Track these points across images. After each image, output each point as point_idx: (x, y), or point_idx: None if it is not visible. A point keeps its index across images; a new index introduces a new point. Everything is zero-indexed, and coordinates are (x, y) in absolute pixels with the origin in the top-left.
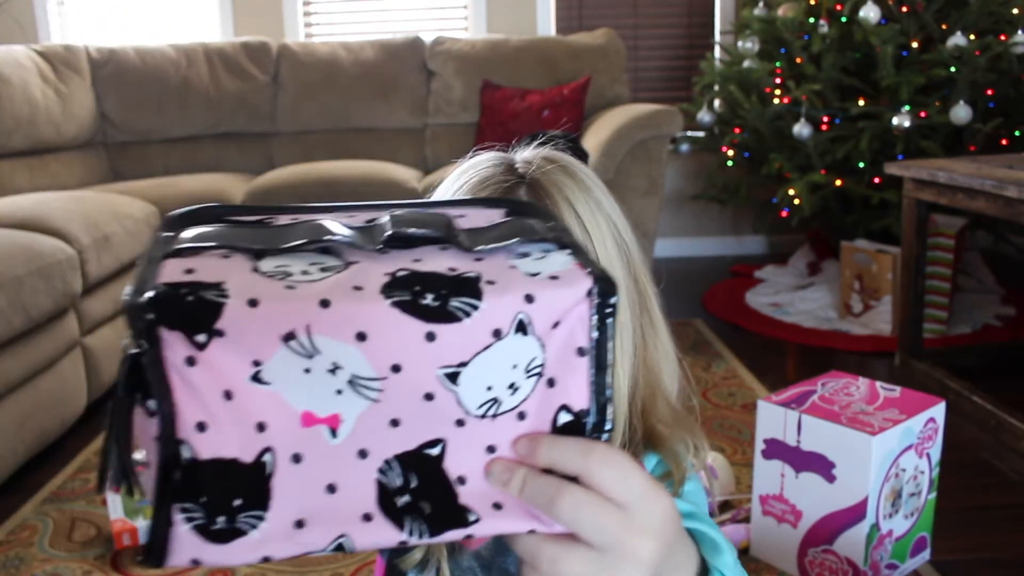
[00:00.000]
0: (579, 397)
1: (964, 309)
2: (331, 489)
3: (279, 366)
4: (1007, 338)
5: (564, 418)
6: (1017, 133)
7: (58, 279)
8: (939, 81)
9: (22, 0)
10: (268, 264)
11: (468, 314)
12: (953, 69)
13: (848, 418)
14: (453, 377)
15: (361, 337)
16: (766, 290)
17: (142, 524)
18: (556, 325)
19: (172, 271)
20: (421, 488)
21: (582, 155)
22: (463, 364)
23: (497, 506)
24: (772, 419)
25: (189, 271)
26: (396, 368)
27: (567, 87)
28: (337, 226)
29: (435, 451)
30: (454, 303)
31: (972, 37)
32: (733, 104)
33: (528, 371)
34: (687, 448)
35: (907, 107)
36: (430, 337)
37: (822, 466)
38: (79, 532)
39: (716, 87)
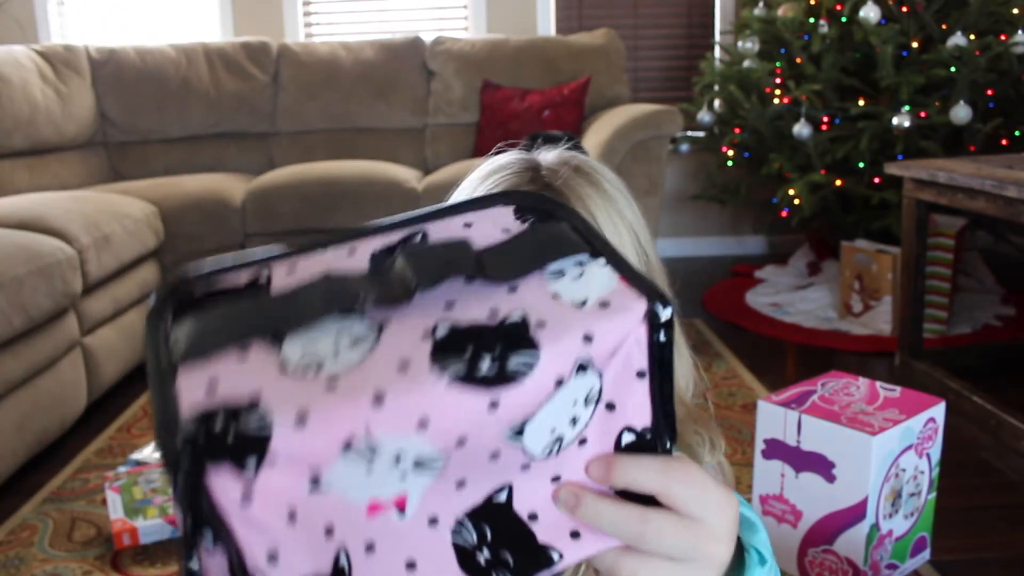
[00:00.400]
0: (641, 417)
1: (964, 309)
2: (411, 566)
3: (340, 472)
4: (1007, 338)
5: (627, 438)
6: (1017, 133)
7: (58, 279)
8: (939, 81)
9: (22, 0)
10: (293, 352)
11: (529, 372)
12: (953, 69)
13: (848, 418)
14: (519, 433)
15: (423, 424)
16: (766, 290)
17: (142, 524)
18: (617, 357)
19: (193, 390)
20: (497, 537)
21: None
22: (528, 419)
23: (575, 535)
24: (772, 419)
25: (212, 386)
26: (461, 442)
27: (567, 87)
28: (341, 267)
29: (503, 497)
30: (512, 364)
31: (972, 37)
32: (733, 104)
33: (587, 401)
34: (702, 443)
35: (907, 107)
36: (494, 406)
37: (822, 466)
38: (79, 532)
39: (716, 87)
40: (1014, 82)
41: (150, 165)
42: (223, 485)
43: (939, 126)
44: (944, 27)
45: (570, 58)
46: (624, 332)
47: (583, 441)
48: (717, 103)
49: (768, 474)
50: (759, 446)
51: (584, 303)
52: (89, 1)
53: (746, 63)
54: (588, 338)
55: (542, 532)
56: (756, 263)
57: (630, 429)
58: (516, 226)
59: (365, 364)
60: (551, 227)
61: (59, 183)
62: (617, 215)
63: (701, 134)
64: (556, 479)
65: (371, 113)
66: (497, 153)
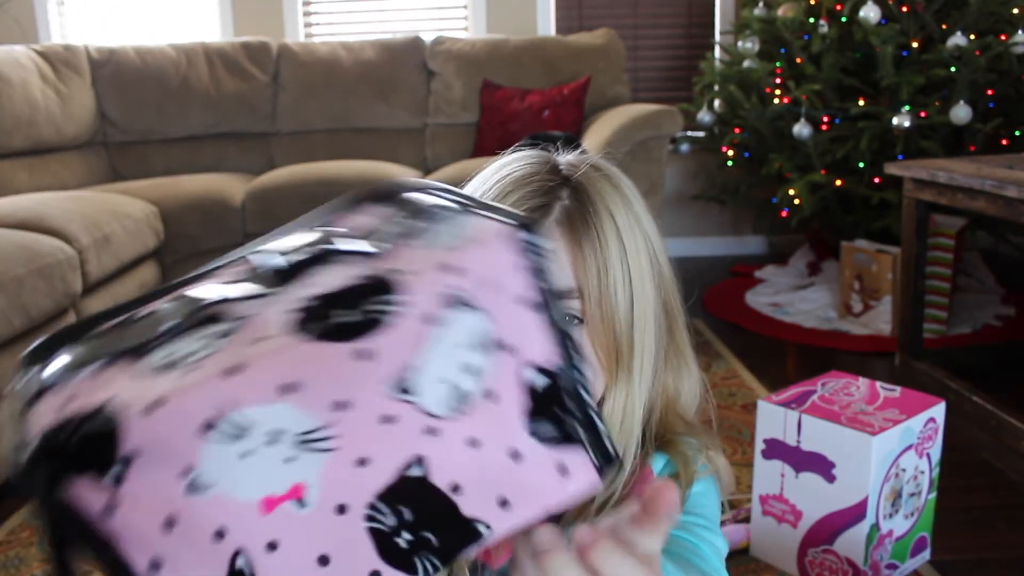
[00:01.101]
0: (543, 352)
1: (964, 309)
2: (323, 561)
3: (211, 464)
4: (1007, 338)
5: (539, 381)
6: (1017, 133)
7: (58, 279)
8: (939, 81)
9: (22, 0)
10: (152, 359)
11: (387, 313)
12: (953, 69)
13: (848, 418)
14: (405, 390)
15: (286, 389)
16: (766, 290)
17: None
18: (493, 286)
19: (48, 411)
20: (418, 517)
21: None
22: (406, 368)
23: (504, 503)
24: (772, 419)
25: (64, 404)
26: (339, 405)
27: (567, 87)
28: (213, 288)
29: (417, 471)
30: (367, 308)
31: (972, 37)
32: (733, 104)
33: (482, 347)
34: (696, 449)
35: (907, 107)
36: (358, 355)
37: (822, 466)
38: None
39: (716, 87)
40: (1014, 82)
41: (150, 165)
42: (84, 497)
43: (939, 126)
44: (944, 27)
45: (570, 58)
46: (495, 261)
47: (491, 394)
48: (717, 103)
49: (768, 474)
50: (759, 446)
51: (455, 247)
52: (89, 1)
53: (746, 63)
54: (449, 269)
55: (467, 504)
56: (756, 263)
57: (535, 367)
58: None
59: (224, 349)
60: (424, 199)
61: (59, 183)
62: (635, 219)
63: (701, 134)
64: (474, 443)
65: (371, 113)
66: (515, 152)
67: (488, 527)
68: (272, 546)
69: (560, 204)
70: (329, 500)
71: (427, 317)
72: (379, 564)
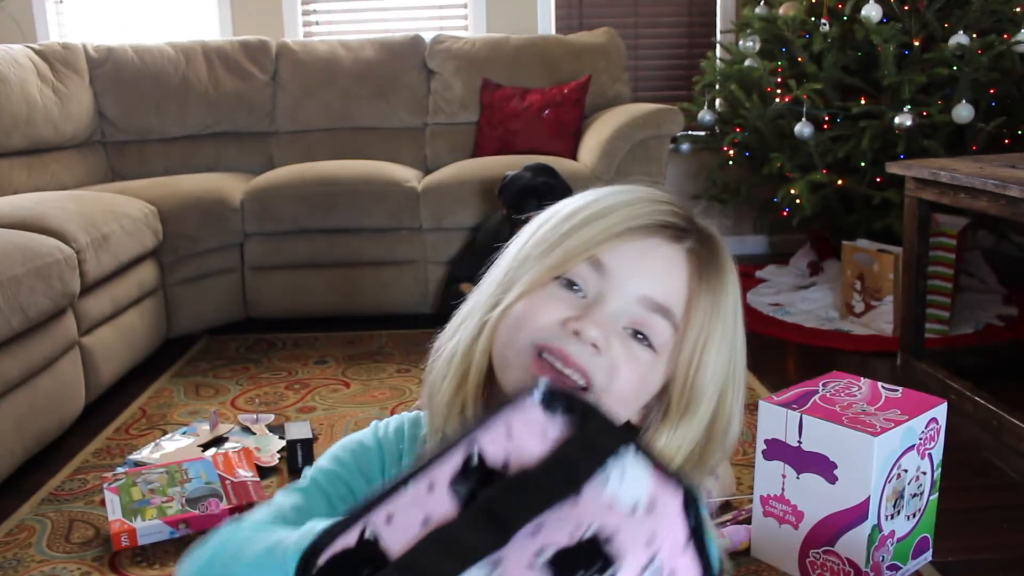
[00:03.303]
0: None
1: (966, 309)
2: None
3: None
4: (1009, 338)
5: None
6: (1019, 132)
7: (56, 279)
8: (941, 80)
9: None
10: None
11: None
12: (955, 68)
13: (850, 419)
14: None
15: None
16: (767, 290)
17: (140, 525)
18: (663, 544)
19: None
20: None
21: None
22: None
23: None
24: (773, 419)
25: None
26: None
27: (567, 86)
28: (450, 527)
29: None
30: None
31: (974, 36)
32: (734, 103)
33: None
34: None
35: (909, 106)
36: None
37: (823, 467)
38: (77, 533)
39: (717, 86)
40: (1016, 81)
41: (149, 164)
42: None
43: (941, 125)
44: (946, 26)
45: (570, 57)
46: (669, 526)
47: None
48: (718, 102)
49: (769, 475)
50: (760, 447)
51: (635, 509)
52: (87, 0)
53: (747, 62)
54: (648, 544)
55: None
56: (757, 263)
57: None
58: (550, 427)
59: None
60: (586, 425)
61: (57, 183)
62: (738, 300)
63: (702, 133)
64: None
65: (371, 112)
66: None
67: None
68: None
69: (693, 240)
70: None
71: None
72: None
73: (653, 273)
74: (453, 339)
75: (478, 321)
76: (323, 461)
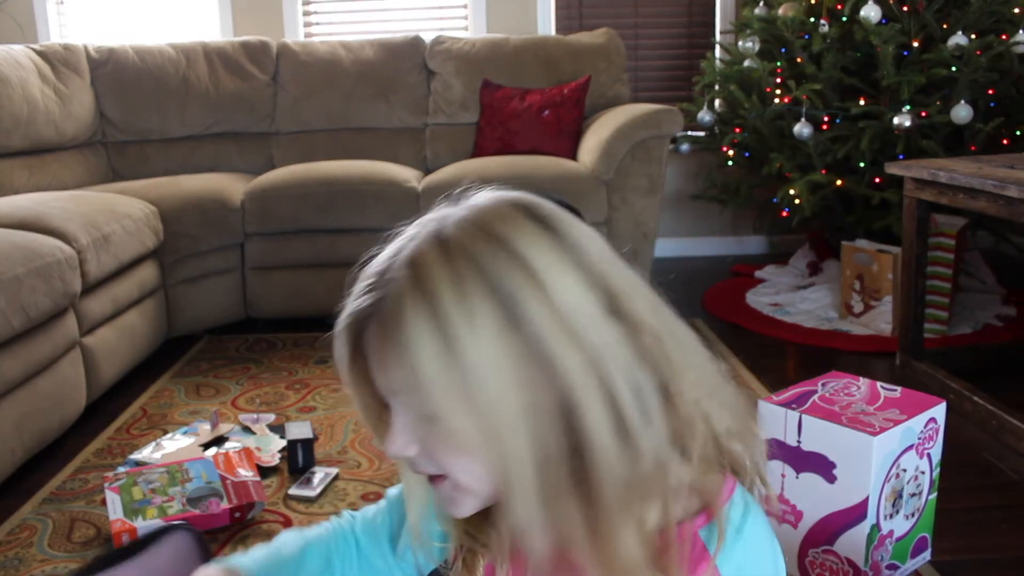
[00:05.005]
0: None
1: (965, 309)
2: None
3: None
4: (1008, 338)
5: None
6: (1018, 133)
7: (57, 279)
8: (940, 81)
9: None
10: None
11: None
12: (954, 69)
13: (849, 418)
14: None
15: None
16: (766, 290)
17: (141, 524)
18: None
19: None
20: None
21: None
22: None
23: None
24: (772, 419)
25: None
26: None
27: (567, 87)
28: None
29: None
30: None
31: (973, 36)
32: (733, 104)
33: None
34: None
35: (908, 107)
36: None
37: (823, 466)
38: (78, 532)
39: (716, 87)
40: (1015, 81)
41: (149, 165)
42: None
43: (940, 126)
44: (945, 26)
45: (570, 58)
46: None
47: None
48: (717, 103)
49: (768, 474)
50: None
51: None
52: (88, 1)
53: (746, 63)
54: None
55: None
56: (756, 263)
57: None
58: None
59: None
60: None
61: (58, 183)
62: (467, 313)
63: (701, 134)
64: None
65: (371, 113)
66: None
67: None
68: None
69: (367, 313)
70: None
71: None
72: None
73: (381, 369)
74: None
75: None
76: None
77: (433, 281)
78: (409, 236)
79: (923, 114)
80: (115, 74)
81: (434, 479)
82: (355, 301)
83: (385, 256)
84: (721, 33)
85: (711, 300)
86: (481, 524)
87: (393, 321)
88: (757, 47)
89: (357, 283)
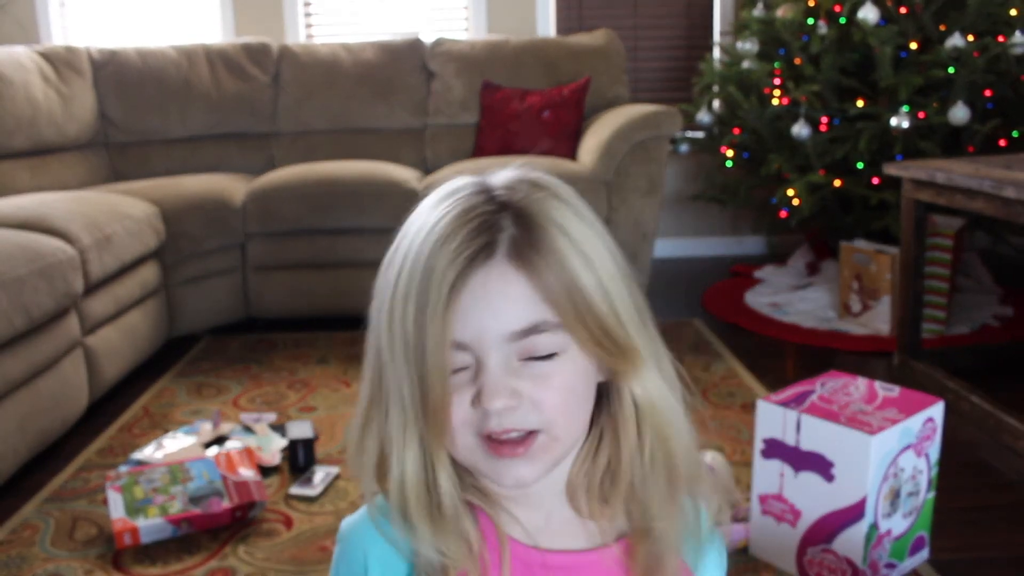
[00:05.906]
0: None
1: (962, 309)
2: None
3: None
4: (1005, 338)
5: None
6: (1015, 134)
7: (59, 279)
8: (937, 82)
9: (24, 1)
10: None
11: None
12: (951, 70)
13: (847, 418)
14: None
15: None
16: (765, 290)
17: (143, 523)
18: None
19: None
20: None
21: None
22: None
23: None
24: (771, 419)
25: None
26: None
27: (567, 87)
28: None
29: None
30: None
31: (970, 38)
32: (732, 105)
33: None
34: (691, 512)
35: (906, 108)
36: None
37: (821, 466)
38: (80, 531)
39: (715, 88)
40: (1012, 83)
41: (151, 165)
42: None
43: (937, 127)
44: (942, 28)
45: (570, 58)
46: None
47: None
48: (716, 104)
49: (767, 474)
50: (758, 446)
51: None
52: (90, 2)
53: (745, 64)
54: None
55: None
56: (755, 263)
57: None
58: None
59: None
60: None
61: (60, 183)
62: (588, 224)
63: (700, 135)
64: None
65: (371, 114)
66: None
67: None
68: None
69: (506, 236)
70: None
71: None
72: None
73: (499, 311)
74: (396, 470)
75: (415, 456)
76: None
77: (560, 188)
78: (471, 191)
79: (921, 115)
80: (117, 75)
81: (516, 445)
82: (477, 238)
83: (469, 201)
84: (720, 34)
85: (710, 300)
86: (454, 533)
87: (540, 224)
88: (756, 48)
89: (448, 235)
